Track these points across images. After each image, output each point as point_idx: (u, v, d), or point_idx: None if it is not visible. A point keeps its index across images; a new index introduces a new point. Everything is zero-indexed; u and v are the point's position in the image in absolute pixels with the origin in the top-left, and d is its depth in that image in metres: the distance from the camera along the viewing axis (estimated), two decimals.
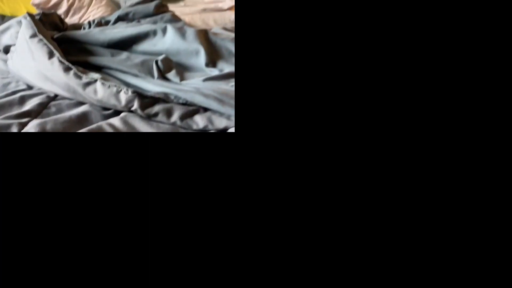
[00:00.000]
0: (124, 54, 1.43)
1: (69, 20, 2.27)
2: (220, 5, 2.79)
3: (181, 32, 1.50)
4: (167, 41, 1.49)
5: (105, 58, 1.38)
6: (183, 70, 1.37)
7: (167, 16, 2.16)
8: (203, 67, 1.40)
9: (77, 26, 1.81)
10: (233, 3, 2.78)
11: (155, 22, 2.05)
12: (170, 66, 1.33)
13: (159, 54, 1.43)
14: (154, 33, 1.52)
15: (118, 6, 2.79)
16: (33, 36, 1.23)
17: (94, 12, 2.60)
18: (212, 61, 1.44)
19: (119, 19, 1.97)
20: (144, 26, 1.58)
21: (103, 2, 2.72)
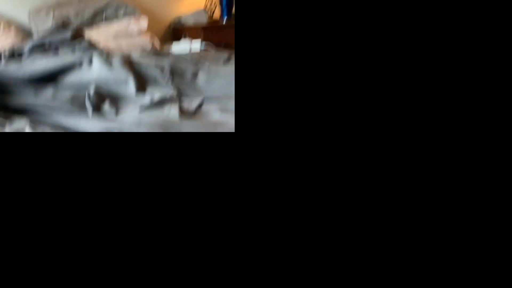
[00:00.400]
0: (49, 90, 1.36)
1: None
2: (130, 30, 2.82)
3: (108, 61, 1.49)
4: (94, 71, 1.47)
5: (29, 98, 1.30)
6: (115, 100, 1.35)
7: (84, 43, 2.11)
8: (133, 95, 1.39)
9: None
10: (141, 27, 2.80)
11: (73, 50, 2.00)
12: (102, 98, 1.31)
13: (88, 85, 1.40)
14: (80, 63, 1.49)
15: (28, 34, 2.68)
16: None
17: (2, 42, 2.47)
18: (141, 87, 1.43)
19: (33, 50, 1.89)
20: (67, 57, 1.53)
21: (12, 31, 2.59)
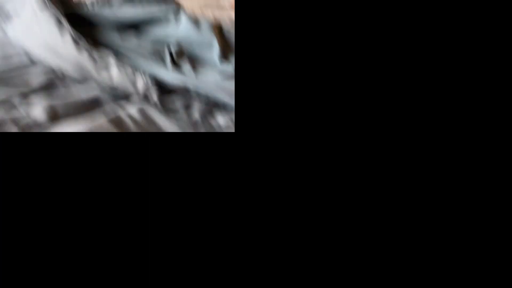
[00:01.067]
0: (133, 38, 1.34)
1: None
2: (222, 2, 2.74)
3: (195, 22, 1.43)
4: (180, 29, 1.41)
5: (115, 40, 1.29)
6: (196, 61, 1.30)
7: (173, 3, 2.09)
8: (216, 61, 1.33)
9: (81, 5, 1.72)
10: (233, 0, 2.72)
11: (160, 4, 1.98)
12: (182, 54, 1.27)
13: (171, 40, 1.36)
14: (167, 18, 1.44)
15: None
16: (43, 4, 1.14)
17: None
18: (225, 56, 1.38)
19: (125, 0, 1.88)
20: (155, 9, 1.48)
21: None
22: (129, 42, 1.28)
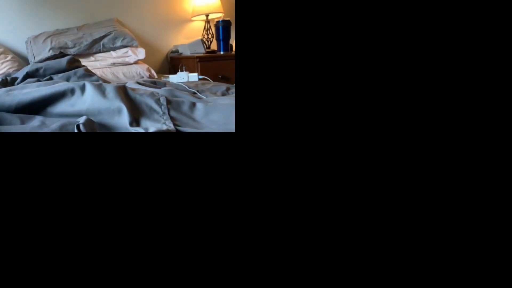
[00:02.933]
0: (37, 120, 1.28)
1: None
2: (127, 59, 2.82)
3: (101, 90, 1.42)
4: (86, 100, 1.39)
5: (13, 128, 1.21)
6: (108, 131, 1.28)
7: (80, 71, 2.07)
8: (127, 127, 1.32)
9: None
10: (138, 57, 2.78)
11: (68, 78, 1.95)
12: (93, 129, 1.23)
13: (78, 115, 1.33)
14: (72, 91, 1.41)
15: (25, 61, 2.65)
16: None
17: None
18: (135, 119, 1.36)
19: (28, 76, 1.84)
20: (59, 85, 1.46)
21: (9, 57, 2.56)
22: (32, 126, 1.21)
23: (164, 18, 3.22)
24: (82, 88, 1.43)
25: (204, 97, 1.74)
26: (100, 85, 1.46)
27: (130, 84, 1.93)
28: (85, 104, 1.38)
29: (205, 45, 3.11)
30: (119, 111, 1.35)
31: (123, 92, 1.47)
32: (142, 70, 2.76)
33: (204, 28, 3.21)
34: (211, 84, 2.28)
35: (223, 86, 2.06)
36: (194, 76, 2.58)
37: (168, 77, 2.61)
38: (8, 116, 1.28)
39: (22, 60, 2.68)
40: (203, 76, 2.63)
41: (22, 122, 1.26)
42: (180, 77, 2.55)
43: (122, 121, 1.33)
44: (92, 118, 1.31)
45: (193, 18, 3.25)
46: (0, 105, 1.31)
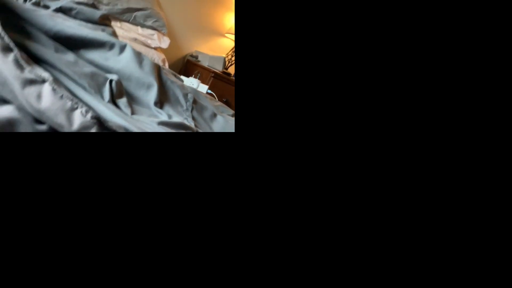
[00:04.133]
0: (70, 55, 1.22)
1: None
2: (150, 41, 2.77)
3: (139, 58, 1.38)
4: (121, 61, 1.34)
5: (49, 52, 1.13)
6: (131, 100, 1.23)
7: (108, 30, 2.03)
8: (150, 105, 1.28)
9: None
10: (161, 45, 2.75)
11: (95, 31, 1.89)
12: (121, 92, 1.19)
13: (109, 71, 1.28)
14: (111, 46, 1.37)
15: None
16: None
17: None
18: (160, 101, 1.33)
19: (61, 10, 1.76)
20: (102, 34, 1.41)
21: None
22: (66, 62, 1.14)
23: (201, 21, 3.23)
24: (122, 48, 1.39)
25: (225, 114, 1.72)
26: (140, 54, 1.42)
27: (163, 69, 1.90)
28: (119, 64, 1.33)
29: (225, 65, 3.12)
30: (148, 86, 1.32)
31: (158, 70, 1.45)
32: (158, 59, 2.72)
33: (232, 49, 3.23)
34: (218, 103, 2.27)
35: (229, 109, 2.05)
36: (203, 88, 2.56)
37: (180, 77, 2.58)
38: (44, 38, 1.20)
39: None
40: (211, 91, 2.62)
41: (56, 51, 1.19)
42: (190, 82, 2.53)
43: (148, 97, 1.30)
44: (120, 79, 1.27)
45: (226, 34, 3.27)
46: (41, 24, 1.22)
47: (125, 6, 2.77)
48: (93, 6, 2.45)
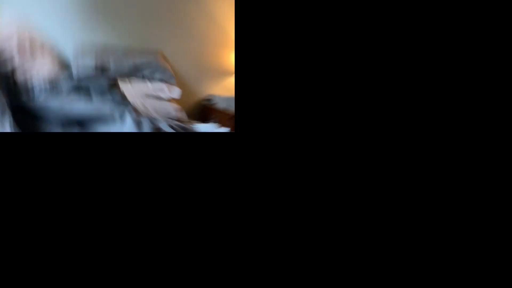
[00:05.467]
0: None
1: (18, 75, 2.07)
2: (161, 94, 2.77)
3: (138, 123, 1.42)
4: (124, 127, 1.40)
5: None
6: None
7: (117, 96, 2.07)
8: None
9: (26, 87, 1.62)
10: (173, 96, 2.75)
11: (105, 100, 1.92)
12: None
13: None
14: (113, 117, 1.44)
15: (62, 64, 2.58)
16: None
17: (38, 67, 2.37)
18: None
19: (73, 89, 1.84)
20: (103, 107, 1.50)
21: (46, 56, 2.50)
22: None
23: (208, 63, 3.23)
24: (122, 117, 1.45)
25: None
26: (139, 122, 1.44)
27: (163, 126, 1.91)
28: (123, 129, 1.40)
29: None
30: None
31: (156, 129, 1.49)
32: (174, 110, 2.70)
33: None
34: None
35: None
36: (225, 131, 2.53)
37: (197, 125, 2.56)
38: (56, 125, 1.28)
39: (60, 61, 2.61)
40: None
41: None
42: (208, 128, 2.51)
43: None
44: None
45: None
46: (53, 115, 1.34)
47: (131, 64, 2.79)
48: (102, 69, 2.47)
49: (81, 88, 1.85)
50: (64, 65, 2.64)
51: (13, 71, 1.81)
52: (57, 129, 1.25)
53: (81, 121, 1.35)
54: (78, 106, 1.43)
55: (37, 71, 2.09)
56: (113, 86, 2.12)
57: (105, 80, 2.06)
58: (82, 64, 2.60)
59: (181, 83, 3.07)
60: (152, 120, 1.56)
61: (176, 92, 2.85)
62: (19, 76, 1.84)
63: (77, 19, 2.79)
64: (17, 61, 1.94)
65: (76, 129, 1.29)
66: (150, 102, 2.73)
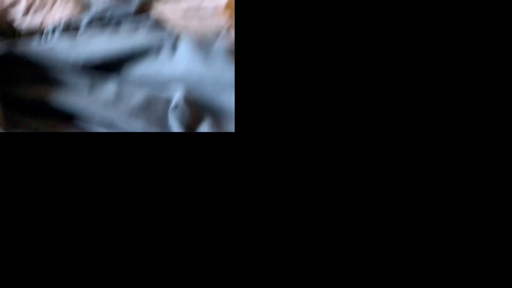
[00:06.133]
0: (111, 86, 0.92)
1: (29, 21, 1.79)
2: (203, 8, 2.33)
3: (203, 49, 0.99)
4: (180, 63, 0.98)
5: (80, 97, 0.88)
6: (216, 116, 0.88)
7: (150, 20, 1.71)
8: None
9: (37, 31, 1.30)
10: (218, 4, 2.32)
11: (137, 27, 1.58)
12: (197, 115, 0.85)
13: (168, 83, 0.94)
14: (158, 48, 1.01)
15: (88, 6, 2.28)
16: None
17: (60, 13, 2.07)
18: None
19: (92, 22, 1.47)
20: (139, 38, 1.06)
21: (70, 1, 2.19)
22: (104, 96, 0.88)
23: None
24: (174, 44, 1.01)
25: None
26: (202, 40, 1.04)
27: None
28: (178, 67, 0.97)
29: None
30: (232, 84, 0.92)
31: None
32: (222, 24, 2.28)
33: None
34: None
35: None
36: None
37: None
38: (73, 77, 0.96)
39: (84, 4, 2.30)
40: None
41: (92, 87, 0.92)
42: None
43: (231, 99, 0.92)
44: (191, 91, 0.92)
45: None
46: (63, 61, 1.00)
47: None
48: None
49: (103, 21, 1.51)
50: (87, 7, 2.36)
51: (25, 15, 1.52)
52: (74, 78, 0.96)
53: (105, 63, 1.02)
54: (99, 41, 1.09)
55: (53, 15, 1.80)
56: (143, 10, 1.77)
57: (132, 5, 1.70)
58: None
59: None
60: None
61: None
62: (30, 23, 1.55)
63: None
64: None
65: (102, 76, 0.99)
66: (193, 23, 2.36)
